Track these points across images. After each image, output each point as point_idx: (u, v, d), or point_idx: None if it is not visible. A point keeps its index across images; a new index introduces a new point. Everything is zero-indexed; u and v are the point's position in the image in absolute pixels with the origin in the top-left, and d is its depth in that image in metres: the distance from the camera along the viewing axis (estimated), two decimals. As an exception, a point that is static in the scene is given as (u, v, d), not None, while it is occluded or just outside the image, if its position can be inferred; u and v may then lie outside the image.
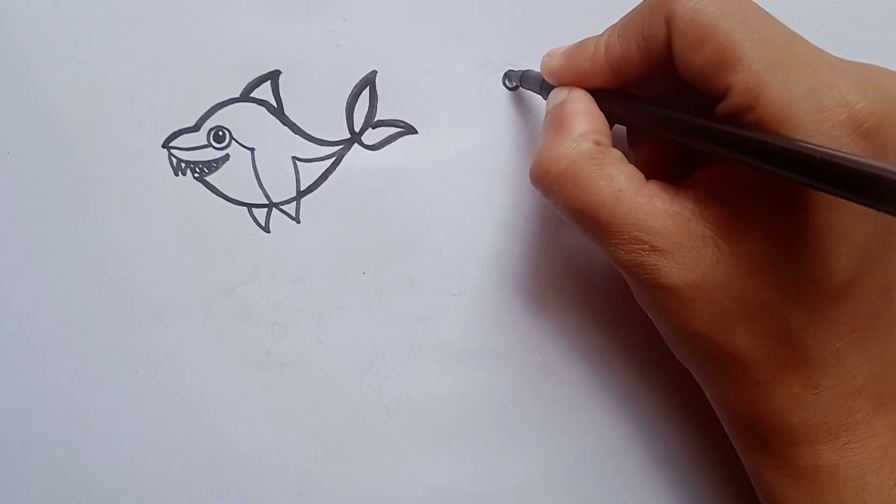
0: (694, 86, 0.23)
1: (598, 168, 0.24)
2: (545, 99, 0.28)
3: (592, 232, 0.25)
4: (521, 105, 0.30)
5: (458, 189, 0.31)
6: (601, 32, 0.26)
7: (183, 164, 0.30)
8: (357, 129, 0.30)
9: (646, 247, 0.23)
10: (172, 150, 0.30)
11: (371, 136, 0.30)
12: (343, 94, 0.30)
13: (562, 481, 0.32)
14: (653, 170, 0.26)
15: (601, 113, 0.26)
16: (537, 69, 0.28)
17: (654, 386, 0.32)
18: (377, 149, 0.30)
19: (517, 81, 0.30)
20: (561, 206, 0.25)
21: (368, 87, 0.30)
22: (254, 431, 0.31)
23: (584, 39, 0.27)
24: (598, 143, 0.25)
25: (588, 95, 0.26)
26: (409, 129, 0.30)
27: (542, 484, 0.32)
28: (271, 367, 0.31)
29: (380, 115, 0.30)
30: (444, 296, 0.31)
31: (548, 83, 0.28)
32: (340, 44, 0.30)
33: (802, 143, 0.20)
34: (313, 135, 0.30)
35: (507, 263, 0.31)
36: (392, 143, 0.30)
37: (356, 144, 0.30)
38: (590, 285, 0.31)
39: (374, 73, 0.30)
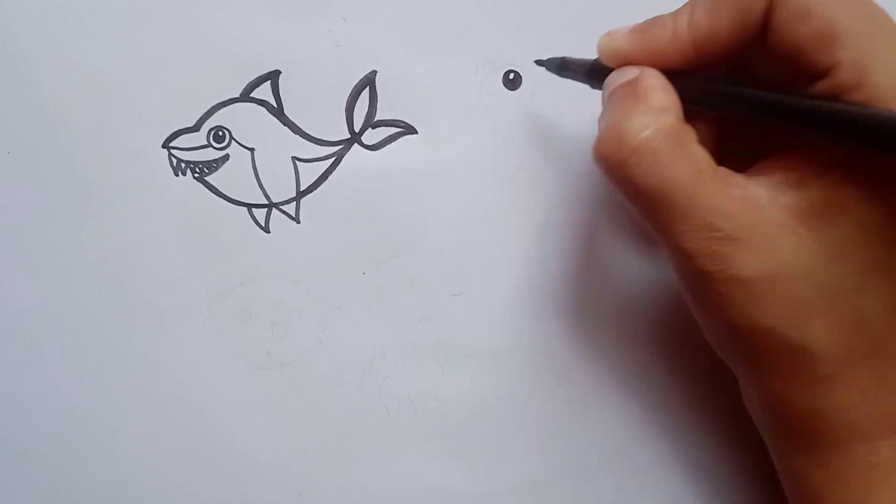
0: (785, 63, 0.22)
1: (679, 145, 0.22)
2: (592, 87, 0.26)
3: (662, 214, 0.23)
4: (522, 105, 0.30)
5: (458, 189, 0.31)
6: (679, 7, 0.24)
7: (183, 164, 0.30)
8: (357, 129, 0.30)
9: (719, 234, 0.22)
10: (172, 150, 0.30)
11: (371, 136, 0.30)
12: (343, 94, 0.30)
13: (562, 482, 0.32)
14: (714, 156, 0.24)
15: (676, 93, 0.24)
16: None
17: (656, 386, 0.32)
18: (377, 149, 0.30)
19: (554, 70, 0.28)
20: (631, 184, 0.23)
21: (368, 87, 0.30)
22: (254, 431, 0.31)
23: (657, 16, 0.25)
24: (679, 120, 0.23)
25: (661, 74, 0.24)
26: (409, 129, 0.30)
27: (543, 484, 0.32)
28: (271, 367, 0.31)
29: (380, 115, 0.30)
30: (444, 296, 0.31)
31: (598, 69, 0.25)
32: (340, 44, 0.30)
33: None
34: (313, 135, 0.30)
35: (507, 263, 0.31)
36: (392, 143, 0.30)
37: (356, 144, 0.30)
38: (590, 285, 0.31)
39: (374, 73, 0.30)
